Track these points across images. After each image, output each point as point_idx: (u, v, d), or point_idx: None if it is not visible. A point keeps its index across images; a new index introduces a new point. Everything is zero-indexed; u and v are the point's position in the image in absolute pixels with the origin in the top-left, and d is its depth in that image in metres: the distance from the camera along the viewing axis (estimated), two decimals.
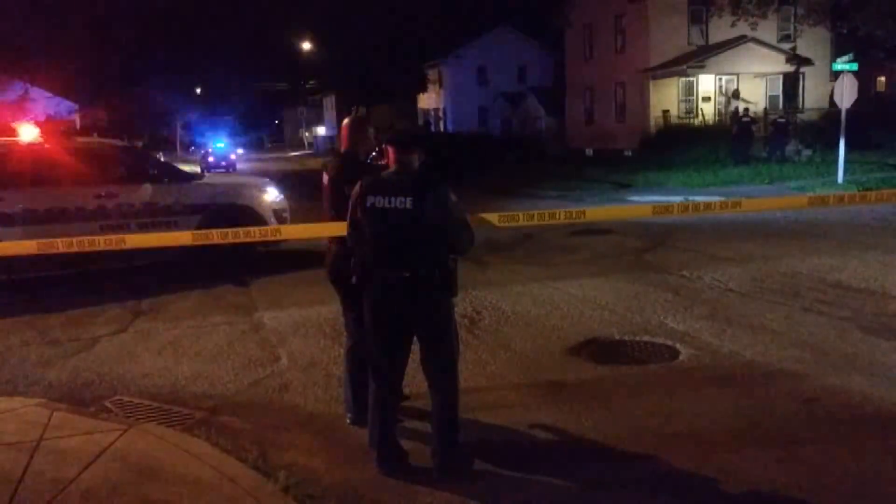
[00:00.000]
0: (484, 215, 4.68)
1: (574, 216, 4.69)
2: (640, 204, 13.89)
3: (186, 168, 12.58)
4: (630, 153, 29.25)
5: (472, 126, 46.38)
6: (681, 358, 5.75)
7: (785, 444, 4.17)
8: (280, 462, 4.17)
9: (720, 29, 29.18)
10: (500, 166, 28.16)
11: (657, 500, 3.70)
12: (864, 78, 31.26)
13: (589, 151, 33.27)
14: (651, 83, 30.52)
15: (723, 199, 12.76)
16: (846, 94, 18.26)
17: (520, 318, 7.08)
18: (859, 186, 16.52)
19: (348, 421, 4.66)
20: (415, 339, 4.00)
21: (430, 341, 3.95)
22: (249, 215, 9.64)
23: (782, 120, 25.30)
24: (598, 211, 7.12)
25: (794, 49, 29.68)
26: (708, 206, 5.87)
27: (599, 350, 6.05)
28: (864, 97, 30.62)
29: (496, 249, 10.54)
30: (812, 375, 5.23)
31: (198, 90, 67.14)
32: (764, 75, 30.36)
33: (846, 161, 18.61)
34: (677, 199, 14.69)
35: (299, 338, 6.67)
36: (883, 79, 37.48)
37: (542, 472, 4.00)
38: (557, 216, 4.89)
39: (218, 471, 3.96)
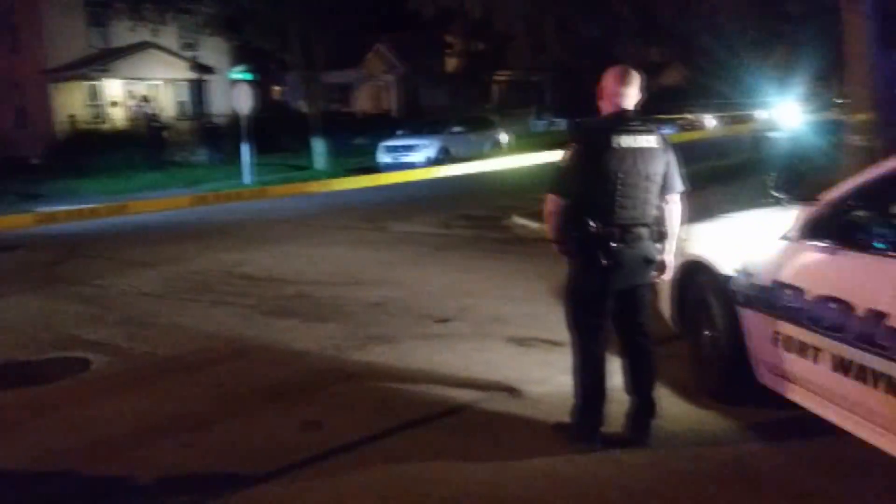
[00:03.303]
0: None
1: None
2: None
3: None
4: (38, 161, 26.96)
5: None
6: (93, 368, 5.63)
7: (194, 427, 4.45)
8: None
9: (122, 33, 28.76)
10: None
11: None
12: (263, 87, 34.31)
13: None
14: (53, 86, 28.57)
15: (109, 204, 12.51)
16: (243, 101, 19.86)
17: None
18: (261, 185, 18.17)
19: None
20: None
21: None
22: None
23: (212, 124, 26.19)
24: None
25: (195, 58, 30.91)
26: (94, 211, 5.85)
27: (4, 377, 5.57)
28: (265, 104, 33.60)
29: None
30: (219, 361, 5.66)
31: None
32: (171, 81, 30.97)
33: (255, 163, 20.25)
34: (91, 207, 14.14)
35: None
36: (278, 88, 41.49)
37: None
38: None
39: None
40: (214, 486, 3.78)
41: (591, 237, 3.75)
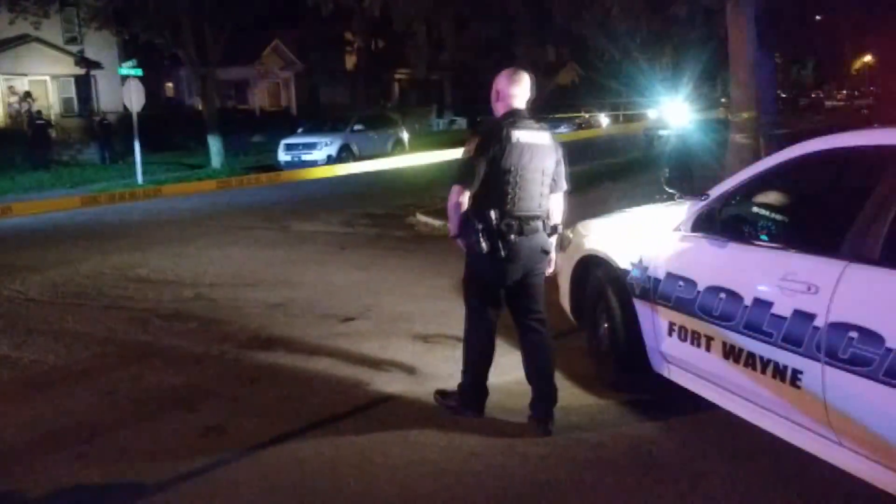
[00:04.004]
0: None
1: None
2: None
3: None
4: None
5: None
6: None
7: (88, 437, 4.25)
8: None
9: (0, 26, 27.19)
10: None
11: None
12: (154, 83, 33.12)
13: None
14: None
15: None
16: (134, 98, 19.12)
17: None
18: (155, 184, 17.56)
19: None
20: None
21: None
22: None
23: (107, 121, 25.41)
24: None
25: (81, 52, 29.52)
26: None
27: None
28: (158, 101, 32.48)
29: None
30: (114, 368, 5.43)
31: None
32: (56, 77, 29.53)
33: (147, 162, 19.54)
34: None
35: None
36: (171, 84, 40.14)
37: None
38: None
39: None
40: (111, 496, 3.64)
41: (493, 229, 3.87)
